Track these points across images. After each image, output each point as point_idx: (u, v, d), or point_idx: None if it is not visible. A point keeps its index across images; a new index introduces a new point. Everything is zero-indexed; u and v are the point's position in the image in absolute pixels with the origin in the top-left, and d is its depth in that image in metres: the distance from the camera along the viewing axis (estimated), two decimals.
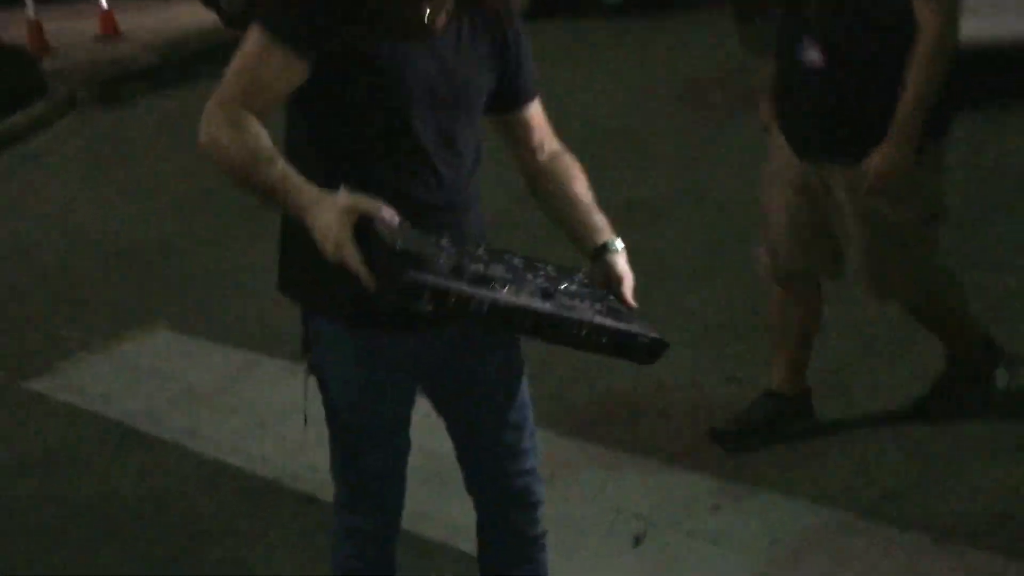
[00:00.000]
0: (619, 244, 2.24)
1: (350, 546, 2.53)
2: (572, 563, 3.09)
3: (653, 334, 2.08)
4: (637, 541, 3.28)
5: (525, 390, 2.46)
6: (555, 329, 1.97)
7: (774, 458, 3.55)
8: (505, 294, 1.93)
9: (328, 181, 1.94)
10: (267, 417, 4.26)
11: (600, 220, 2.28)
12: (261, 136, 1.96)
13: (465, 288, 1.87)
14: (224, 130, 1.96)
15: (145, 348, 5.07)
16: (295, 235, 2.12)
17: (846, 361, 4.01)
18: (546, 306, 1.96)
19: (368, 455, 2.40)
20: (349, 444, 2.41)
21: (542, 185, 2.35)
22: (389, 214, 1.89)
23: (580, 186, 2.32)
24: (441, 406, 2.46)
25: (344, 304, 2.17)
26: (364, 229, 1.87)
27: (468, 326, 2.24)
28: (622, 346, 2.05)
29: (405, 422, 2.42)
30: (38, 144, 9.43)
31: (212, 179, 6.91)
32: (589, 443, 3.77)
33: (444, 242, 2.01)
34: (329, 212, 1.86)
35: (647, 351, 2.07)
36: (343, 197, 1.87)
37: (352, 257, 1.84)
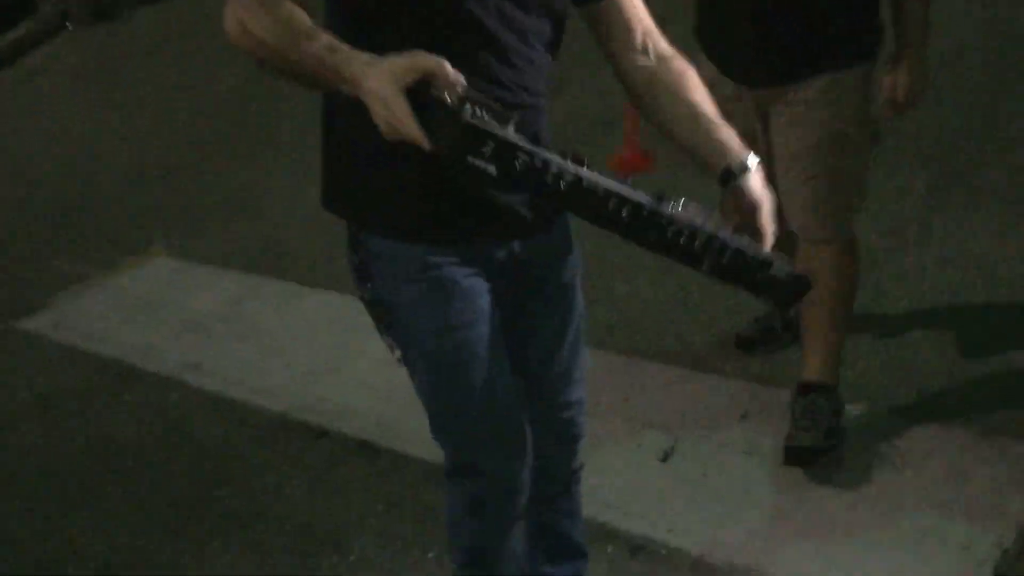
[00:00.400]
0: (752, 160, 1.89)
1: (475, 520, 2.20)
2: (599, 481, 2.90)
3: (791, 268, 1.75)
4: (666, 456, 3.11)
5: (584, 316, 2.20)
6: (656, 229, 1.65)
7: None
8: (594, 173, 1.62)
9: None
10: (273, 345, 4.08)
11: (727, 135, 1.92)
12: (295, 12, 1.70)
13: (539, 150, 1.59)
14: (252, 11, 1.70)
15: (143, 277, 4.88)
16: (344, 137, 1.91)
17: (871, 249, 3.79)
18: (647, 199, 1.65)
19: (469, 394, 2.02)
20: (443, 386, 2.04)
21: (651, 95, 1.97)
22: (453, 73, 1.60)
23: (698, 95, 1.96)
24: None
25: (405, 215, 1.91)
26: (424, 94, 1.60)
27: (540, 226, 1.99)
28: (750, 274, 1.71)
29: (500, 351, 2.02)
30: (28, 65, 9.12)
31: (210, 97, 6.84)
32: (609, 353, 3.57)
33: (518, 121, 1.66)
34: (382, 75, 1.60)
35: (785, 287, 1.74)
36: (397, 57, 1.61)
37: (402, 112, 1.58)
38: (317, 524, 3.14)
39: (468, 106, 1.57)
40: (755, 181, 1.88)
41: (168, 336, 4.31)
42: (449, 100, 1.57)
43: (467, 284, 1.95)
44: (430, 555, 2.92)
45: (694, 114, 1.94)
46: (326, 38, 1.68)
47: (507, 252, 1.99)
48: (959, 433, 2.96)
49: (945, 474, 2.82)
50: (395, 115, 1.58)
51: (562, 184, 1.61)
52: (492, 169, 1.57)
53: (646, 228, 1.66)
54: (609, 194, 1.63)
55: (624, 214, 1.64)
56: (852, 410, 3.06)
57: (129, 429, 3.75)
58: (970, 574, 2.54)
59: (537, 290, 2.09)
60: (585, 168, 1.64)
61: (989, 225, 3.86)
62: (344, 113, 1.76)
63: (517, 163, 1.58)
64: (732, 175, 1.88)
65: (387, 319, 2.01)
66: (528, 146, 1.59)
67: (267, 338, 4.14)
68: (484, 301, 1.98)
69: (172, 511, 3.31)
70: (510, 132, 1.59)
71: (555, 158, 1.60)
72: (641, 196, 1.65)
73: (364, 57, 1.64)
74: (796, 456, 2.91)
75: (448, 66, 1.60)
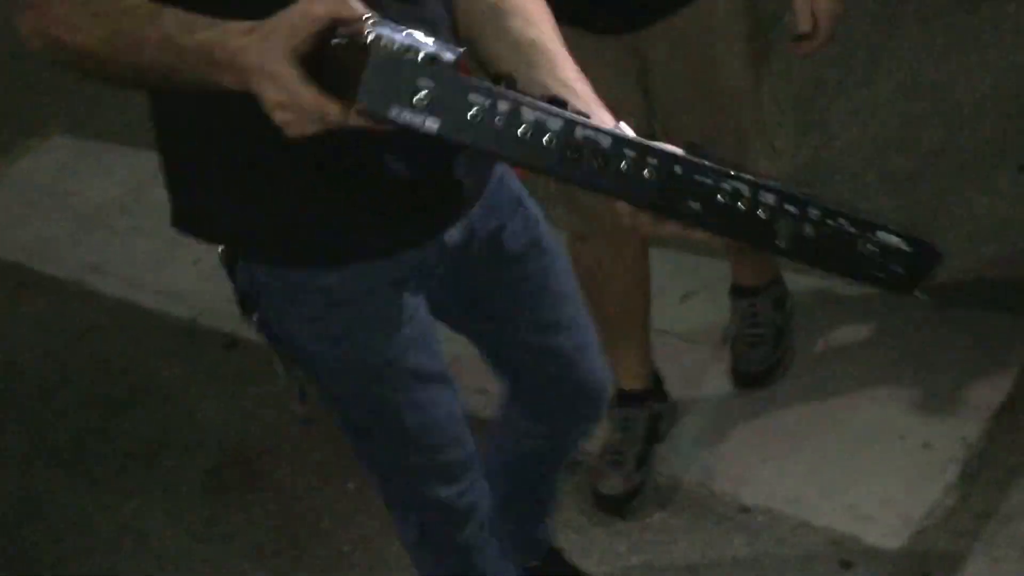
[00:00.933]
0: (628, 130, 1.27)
1: (431, 552, 1.87)
2: None
3: (903, 231, 1.16)
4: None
5: (566, 265, 1.75)
6: (700, 194, 1.12)
7: None
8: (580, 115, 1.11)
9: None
10: (178, 238, 3.73)
11: (586, 86, 1.39)
12: None
13: (500, 88, 1.08)
14: (61, 4, 1.22)
15: (40, 162, 4.50)
16: (192, 138, 1.42)
17: (819, 82, 3.46)
18: (673, 148, 1.13)
19: (406, 437, 1.66)
20: (374, 435, 1.69)
21: (490, 26, 1.44)
22: (359, 7, 1.10)
23: (553, 33, 1.45)
24: (463, 327, 1.78)
25: (293, 232, 1.45)
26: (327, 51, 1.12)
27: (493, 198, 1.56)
28: (850, 245, 1.15)
29: (439, 372, 1.65)
30: None
31: None
32: None
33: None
34: (264, 45, 1.11)
35: (904, 263, 1.15)
36: (285, 12, 1.11)
37: (293, 83, 1.10)
38: (229, 453, 2.90)
39: (378, 33, 1.06)
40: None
41: (67, 231, 3.98)
42: (352, 37, 1.08)
43: (391, 309, 1.54)
44: (349, 485, 2.68)
45: (549, 54, 1.40)
46: (172, 14, 1.18)
47: (438, 247, 1.54)
48: (915, 306, 2.69)
49: (900, 359, 2.56)
50: (290, 93, 1.10)
51: (546, 140, 1.08)
52: (432, 123, 1.05)
53: (683, 194, 1.12)
54: (619, 147, 1.10)
55: (649, 175, 1.11)
56: (799, 282, 2.79)
57: (31, 348, 3.47)
58: (936, 475, 2.31)
59: (496, 262, 1.65)
60: (570, 111, 1.11)
61: (942, 47, 3.52)
62: (189, 107, 1.33)
63: (469, 110, 1.06)
64: None
65: (289, 357, 1.59)
66: (483, 82, 1.07)
67: (172, 230, 3.80)
68: (416, 324, 1.58)
69: (76, 447, 3.06)
70: (447, 64, 1.06)
71: (526, 99, 1.08)
72: (665, 144, 1.14)
73: (239, 25, 1.14)
74: (747, 380, 2.62)
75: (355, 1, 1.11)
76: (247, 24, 1.13)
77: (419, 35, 1.07)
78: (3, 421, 3.21)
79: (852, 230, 1.14)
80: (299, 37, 1.10)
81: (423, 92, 1.04)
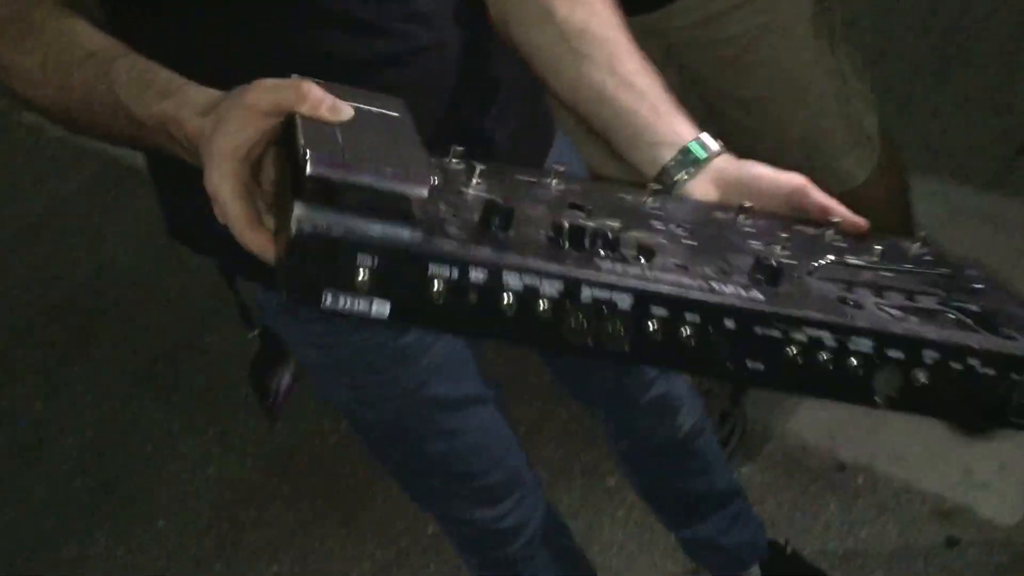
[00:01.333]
0: (713, 143, 1.04)
1: (476, 558, 1.74)
2: None
3: None
4: None
5: None
6: (765, 349, 0.79)
7: None
8: (633, 270, 0.80)
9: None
10: None
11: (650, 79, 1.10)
12: (76, 32, 1.01)
13: (484, 252, 0.76)
14: (6, 48, 1.03)
15: None
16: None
17: None
18: (757, 295, 0.80)
19: (432, 462, 1.53)
20: (398, 458, 1.56)
21: (529, 10, 1.14)
22: (327, 101, 0.81)
23: (611, 15, 1.14)
24: None
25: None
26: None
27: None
28: (977, 390, 0.81)
29: (468, 387, 1.49)
30: None
31: None
32: None
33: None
34: (213, 150, 0.84)
35: None
36: (236, 100, 0.84)
37: (233, 217, 0.84)
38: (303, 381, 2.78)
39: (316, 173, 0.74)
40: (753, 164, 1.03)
41: None
42: (302, 144, 0.76)
43: (404, 339, 1.37)
44: None
45: (600, 40, 1.12)
46: (126, 70, 0.95)
47: None
48: None
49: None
50: (231, 226, 0.84)
51: (540, 311, 0.76)
52: (381, 308, 0.75)
53: (739, 354, 0.79)
54: (644, 306, 0.77)
55: (687, 337, 0.78)
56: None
57: (127, 251, 3.42)
58: None
59: None
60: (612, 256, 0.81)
61: None
62: None
63: (430, 287, 0.75)
64: (695, 160, 1.03)
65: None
66: (446, 245, 0.76)
67: None
68: (437, 351, 1.40)
69: (163, 365, 3.01)
70: (419, 235, 0.75)
71: (512, 258, 0.76)
72: (722, 291, 0.79)
73: (196, 99, 0.90)
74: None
75: (313, 90, 0.81)
76: (204, 99, 0.89)
77: (366, 178, 0.74)
78: (101, 338, 3.17)
79: (988, 372, 0.80)
80: (246, 142, 0.82)
81: (365, 271, 0.73)
